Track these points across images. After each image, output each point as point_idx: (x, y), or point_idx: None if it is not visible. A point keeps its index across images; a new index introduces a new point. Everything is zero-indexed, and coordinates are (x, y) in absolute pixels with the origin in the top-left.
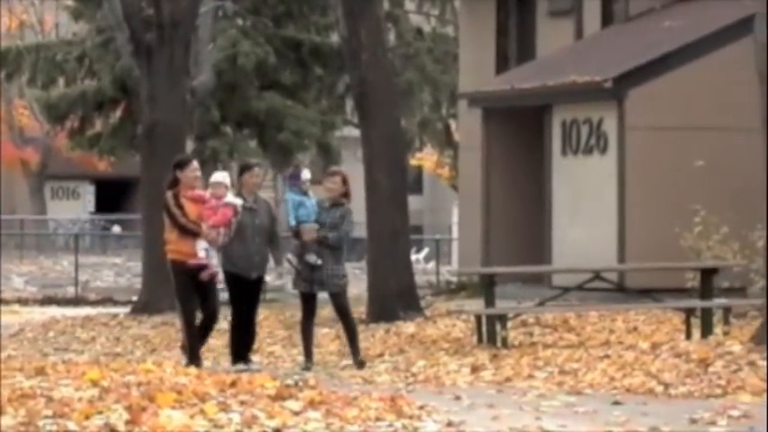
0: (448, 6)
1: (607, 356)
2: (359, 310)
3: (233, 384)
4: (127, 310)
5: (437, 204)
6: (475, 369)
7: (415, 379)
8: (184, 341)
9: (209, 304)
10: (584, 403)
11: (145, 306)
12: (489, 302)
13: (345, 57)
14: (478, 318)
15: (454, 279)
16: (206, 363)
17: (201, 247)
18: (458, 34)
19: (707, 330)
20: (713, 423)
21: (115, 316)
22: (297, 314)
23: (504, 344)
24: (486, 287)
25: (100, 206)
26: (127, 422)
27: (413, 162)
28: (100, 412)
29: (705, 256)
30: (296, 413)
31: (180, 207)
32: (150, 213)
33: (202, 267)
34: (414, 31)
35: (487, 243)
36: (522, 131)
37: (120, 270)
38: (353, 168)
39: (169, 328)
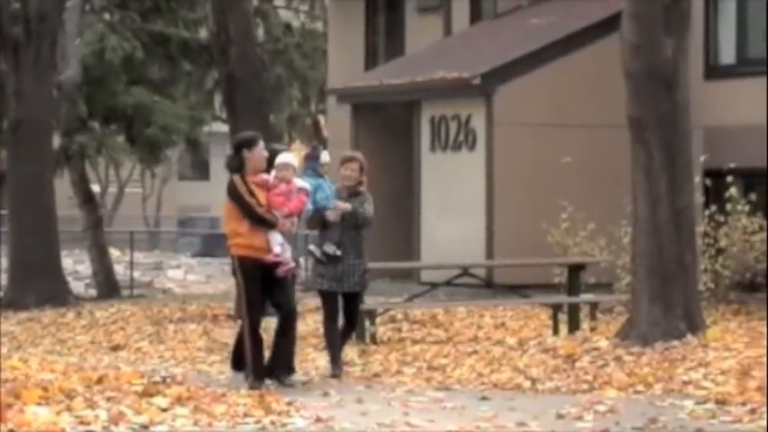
0: (317, 2)
1: (475, 352)
2: (227, 306)
3: (100, 381)
4: None
5: None
6: (344, 364)
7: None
8: (236, 353)
9: (286, 303)
10: (453, 399)
11: (10, 302)
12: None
13: (214, 52)
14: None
15: None
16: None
17: (277, 242)
18: (327, 30)
19: (574, 326)
20: (580, 418)
21: None
22: (164, 310)
23: (373, 340)
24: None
25: None
26: None
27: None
28: None
29: (572, 252)
30: (163, 409)
31: (252, 194)
32: (16, 209)
33: (276, 263)
34: (283, 26)
35: None
36: (390, 127)
37: None
38: (222, 163)
39: (35, 324)
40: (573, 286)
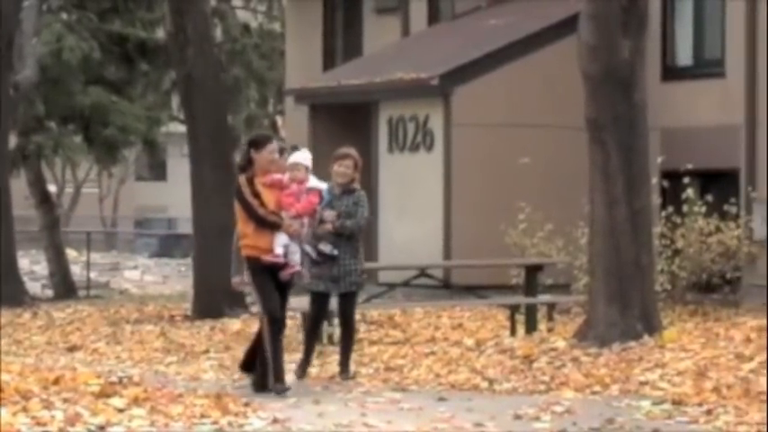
0: (275, 3)
1: (432, 353)
2: (184, 307)
3: (56, 381)
4: None
5: None
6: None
7: (240, 375)
8: (249, 355)
9: (285, 308)
10: (410, 400)
11: None
12: None
13: (171, 52)
14: (304, 315)
15: None
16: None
17: (280, 244)
18: (285, 30)
19: (531, 327)
20: (537, 419)
21: None
22: (121, 311)
23: (331, 341)
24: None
25: None
26: None
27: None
28: None
29: (529, 253)
30: (120, 410)
31: (256, 195)
32: None
33: (280, 266)
34: (240, 26)
35: None
36: (348, 128)
37: None
38: (180, 164)
39: None
40: (530, 287)
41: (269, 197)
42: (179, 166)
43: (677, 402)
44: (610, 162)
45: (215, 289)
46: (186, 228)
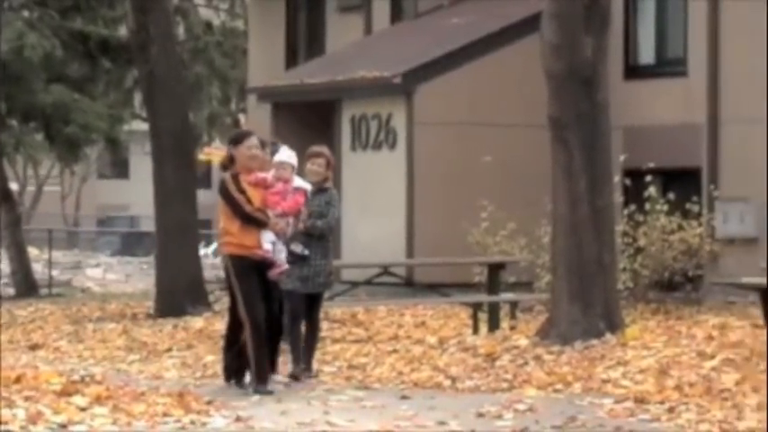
0: (237, 0)
1: (395, 351)
2: (146, 305)
3: (18, 380)
4: None
5: None
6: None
7: (203, 374)
8: (229, 360)
9: (269, 308)
10: (373, 398)
11: None
12: None
13: (134, 50)
14: None
15: None
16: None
17: (268, 240)
18: (247, 28)
19: (494, 325)
20: (500, 417)
21: None
22: (83, 309)
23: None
24: None
25: None
26: None
27: (201, 157)
28: None
29: (492, 252)
30: (82, 409)
31: (242, 192)
32: None
33: (269, 264)
34: (203, 24)
35: None
36: (311, 126)
37: None
38: (142, 162)
39: None
40: (493, 285)
41: (254, 195)
42: (141, 164)
43: (639, 400)
44: (572, 161)
45: (177, 287)
46: (148, 226)
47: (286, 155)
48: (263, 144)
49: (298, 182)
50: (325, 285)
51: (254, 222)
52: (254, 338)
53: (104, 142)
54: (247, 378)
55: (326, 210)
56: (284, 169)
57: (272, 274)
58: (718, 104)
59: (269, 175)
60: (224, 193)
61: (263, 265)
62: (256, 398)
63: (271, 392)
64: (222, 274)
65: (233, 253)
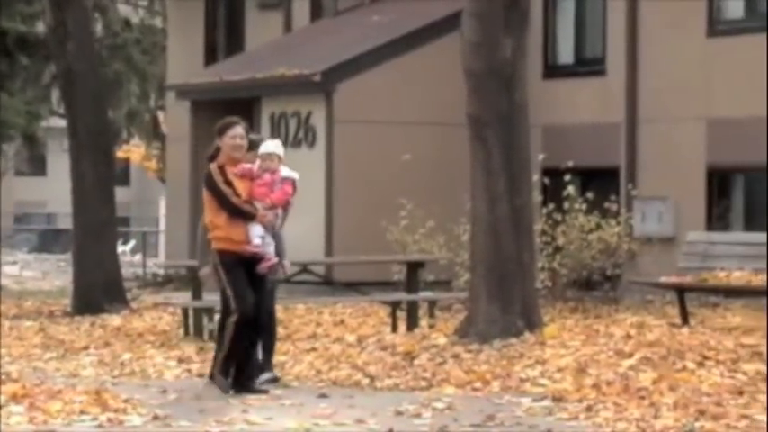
0: None
1: (314, 349)
2: (63, 303)
3: None
4: None
5: (144, 196)
6: (181, 361)
7: (120, 372)
8: (216, 366)
9: (260, 302)
10: (291, 396)
11: None
12: (196, 295)
13: (51, 46)
14: (185, 310)
15: (161, 271)
16: None
17: (257, 234)
18: (166, 25)
19: (412, 323)
20: (418, 415)
21: None
22: None
23: (211, 337)
24: (193, 280)
25: None
26: None
27: (120, 154)
28: None
29: (411, 250)
30: None
31: (229, 184)
32: None
33: (259, 258)
34: (122, 21)
35: (194, 236)
36: None
37: None
38: (60, 159)
39: None
40: (412, 284)
41: (240, 187)
42: (59, 161)
43: (557, 399)
44: (491, 159)
45: (95, 284)
46: (66, 223)
47: (273, 145)
48: (248, 134)
49: (285, 172)
50: (273, 283)
51: (241, 215)
52: (236, 329)
53: (22, 139)
54: (263, 376)
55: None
56: (271, 160)
57: (261, 267)
58: (637, 104)
59: (255, 166)
60: (210, 185)
61: (252, 260)
62: (174, 395)
63: (227, 392)
64: (140, 271)
65: (221, 248)
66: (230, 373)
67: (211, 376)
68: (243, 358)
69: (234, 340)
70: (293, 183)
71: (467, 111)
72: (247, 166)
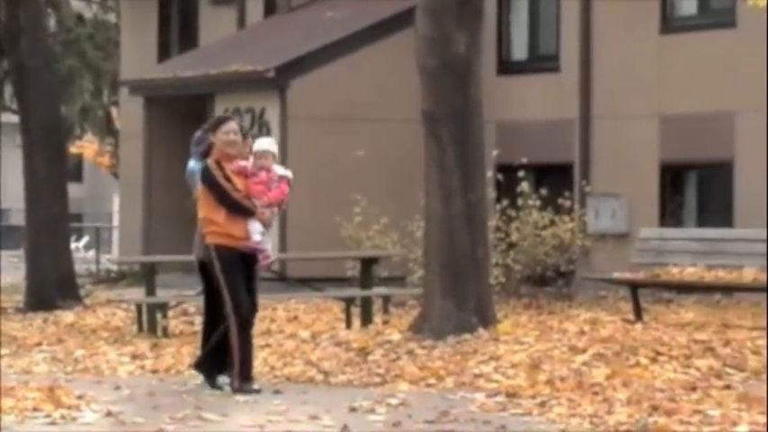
0: None
1: (268, 345)
2: (16, 299)
3: None
4: None
5: (98, 192)
6: (135, 358)
7: (73, 368)
8: (236, 378)
9: (254, 301)
10: (243, 392)
11: None
12: (150, 291)
13: (3, 41)
14: (139, 306)
15: (115, 268)
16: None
17: (257, 231)
18: (119, 21)
19: (367, 319)
20: (372, 411)
21: None
22: None
23: (165, 333)
24: (147, 276)
25: None
26: None
27: (73, 150)
28: None
29: (365, 246)
30: None
31: (228, 179)
32: None
33: (258, 254)
34: (75, 17)
35: (148, 232)
36: (184, 120)
37: None
38: (12, 155)
39: None
40: (366, 280)
41: (238, 183)
42: (11, 157)
43: (511, 395)
44: (445, 155)
45: (48, 281)
46: (18, 219)
47: (267, 143)
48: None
49: (280, 170)
50: None
51: (241, 211)
52: (239, 335)
53: None
54: (221, 379)
55: None
56: (266, 158)
57: (262, 264)
58: (591, 100)
59: (249, 164)
60: (208, 179)
61: (248, 257)
62: (128, 392)
63: (258, 391)
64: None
65: (219, 243)
66: (246, 372)
67: (196, 365)
68: (239, 354)
69: (241, 344)
70: (288, 181)
71: (421, 107)
72: (242, 163)
